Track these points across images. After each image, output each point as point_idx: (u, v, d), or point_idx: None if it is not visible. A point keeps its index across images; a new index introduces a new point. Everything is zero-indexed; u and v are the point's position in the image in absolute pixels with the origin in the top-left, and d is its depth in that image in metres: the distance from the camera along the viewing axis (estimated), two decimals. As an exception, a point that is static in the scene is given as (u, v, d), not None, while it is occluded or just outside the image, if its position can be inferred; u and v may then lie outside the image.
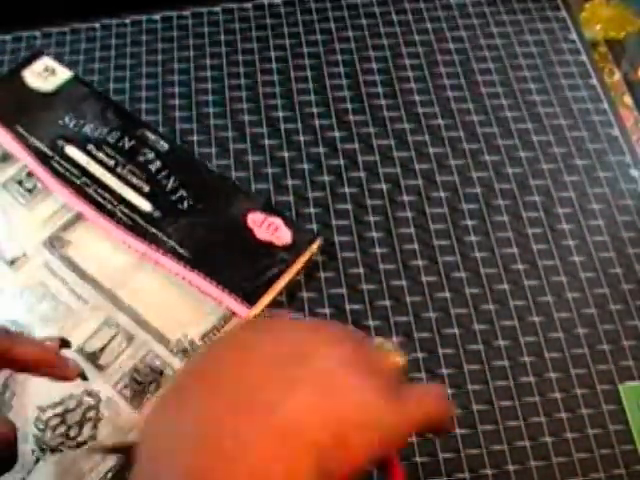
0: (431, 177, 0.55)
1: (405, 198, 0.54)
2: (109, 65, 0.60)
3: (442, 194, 0.54)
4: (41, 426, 0.43)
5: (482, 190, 0.54)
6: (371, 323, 0.48)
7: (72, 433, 0.43)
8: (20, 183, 0.52)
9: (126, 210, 0.50)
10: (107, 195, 0.51)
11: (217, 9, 0.64)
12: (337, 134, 0.57)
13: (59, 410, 0.44)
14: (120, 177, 0.52)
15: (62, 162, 0.52)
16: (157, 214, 0.50)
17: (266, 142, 0.56)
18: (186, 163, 0.53)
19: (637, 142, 0.57)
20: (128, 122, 0.55)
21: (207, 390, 0.26)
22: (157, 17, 0.63)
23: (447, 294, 0.50)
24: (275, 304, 0.48)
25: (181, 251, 0.49)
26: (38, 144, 0.53)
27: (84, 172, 0.52)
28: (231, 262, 0.48)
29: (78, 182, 0.51)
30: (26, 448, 0.42)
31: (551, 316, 0.49)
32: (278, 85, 0.59)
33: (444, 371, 0.47)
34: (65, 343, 0.43)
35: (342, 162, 0.55)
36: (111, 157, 0.53)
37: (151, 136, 0.54)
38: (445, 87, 0.59)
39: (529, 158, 0.56)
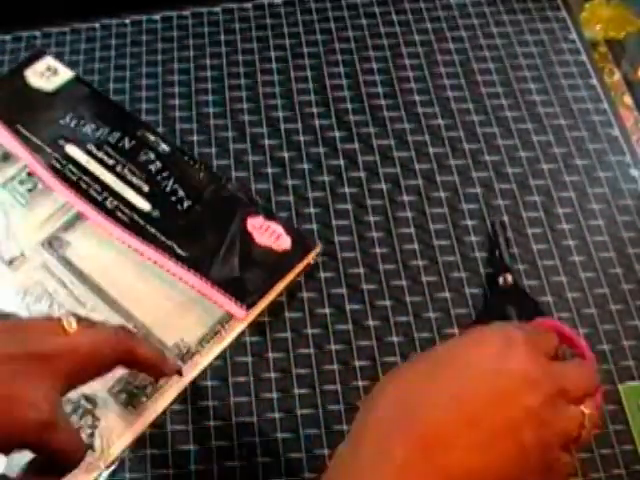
0: (431, 177, 0.55)
1: (405, 198, 0.54)
2: (109, 65, 0.60)
3: (442, 194, 0.54)
4: None
5: (482, 190, 0.54)
6: (371, 323, 0.48)
7: None
8: (20, 183, 0.52)
9: (125, 209, 0.50)
10: (107, 194, 0.51)
11: (217, 9, 0.64)
12: (337, 134, 0.57)
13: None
14: (120, 177, 0.52)
15: (62, 161, 0.52)
16: (156, 214, 0.50)
17: (266, 142, 0.56)
18: (186, 164, 0.53)
19: (637, 142, 0.57)
20: (129, 122, 0.55)
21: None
22: (157, 17, 0.63)
23: (447, 294, 0.49)
24: (275, 304, 0.48)
25: (179, 252, 0.48)
26: (39, 143, 0.53)
27: (84, 171, 0.52)
28: (230, 265, 0.48)
29: (78, 181, 0.51)
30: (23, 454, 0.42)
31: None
32: (278, 85, 0.59)
33: (444, 371, 0.46)
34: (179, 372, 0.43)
35: (342, 162, 0.55)
36: (111, 157, 0.53)
37: (151, 137, 0.54)
38: (445, 87, 0.59)
39: (529, 158, 0.56)
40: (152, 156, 0.53)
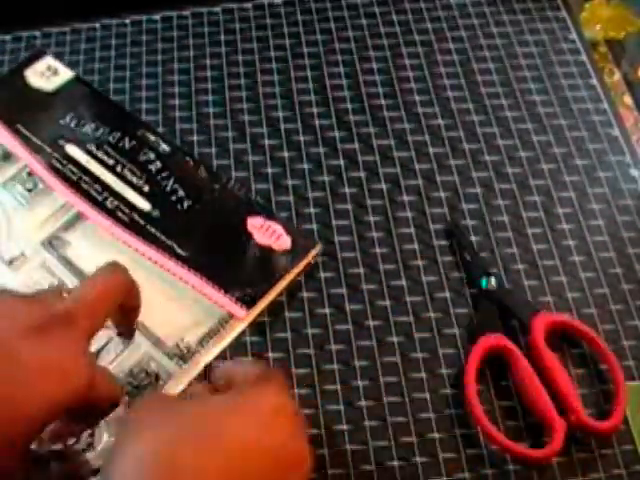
0: (431, 177, 0.55)
1: (405, 198, 0.54)
2: (109, 65, 0.60)
3: (442, 194, 0.54)
4: None
5: (482, 190, 0.54)
6: (371, 323, 0.48)
7: (70, 440, 0.42)
8: (20, 183, 0.52)
9: (125, 209, 0.50)
10: (107, 194, 0.51)
11: (217, 9, 0.64)
12: (337, 134, 0.57)
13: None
14: (120, 176, 0.52)
15: (63, 161, 0.52)
16: (156, 214, 0.50)
17: (266, 142, 0.56)
18: (186, 164, 0.53)
19: (637, 142, 0.57)
20: (129, 122, 0.55)
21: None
22: (157, 17, 0.63)
23: (447, 294, 0.49)
24: (275, 304, 0.48)
25: (179, 251, 0.49)
26: (39, 143, 0.53)
27: (84, 171, 0.52)
28: (230, 265, 0.48)
29: (78, 181, 0.51)
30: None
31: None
32: (278, 85, 0.59)
33: (444, 371, 0.47)
34: None
35: (342, 162, 0.55)
36: (111, 157, 0.53)
37: (151, 137, 0.54)
38: (445, 87, 0.59)
39: (529, 158, 0.56)
40: (152, 156, 0.53)
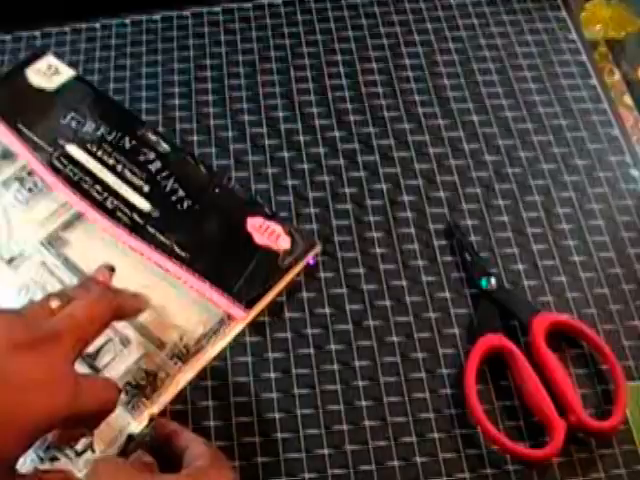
0: (431, 177, 0.55)
1: (405, 198, 0.54)
2: (109, 65, 0.60)
3: (442, 194, 0.54)
4: None
5: (482, 190, 0.54)
6: (371, 323, 0.48)
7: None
8: (21, 182, 0.52)
9: (125, 209, 0.50)
10: (107, 194, 0.51)
11: (217, 9, 0.64)
12: (337, 134, 0.57)
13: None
14: (120, 176, 0.52)
15: (63, 160, 0.52)
16: (156, 214, 0.50)
17: (266, 142, 0.56)
18: (186, 164, 0.53)
19: (637, 142, 0.57)
20: (129, 122, 0.55)
21: None
22: (157, 17, 0.63)
23: (447, 294, 0.49)
24: (275, 304, 0.48)
25: (179, 251, 0.48)
26: (40, 142, 0.53)
27: (84, 171, 0.52)
28: (229, 265, 0.48)
29: (78, 180, 0.51)
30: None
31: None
32: (278, 85, 0.59)
33: (444, 371, 0.47)
34: (112, 269, 0.45)
35: (342, 162, 0.55)
36: (111, 156, 0.53)
37: (152, 137, 0.54)
38: (445, 87, 0.59)
39: (529, 158, 0.56)
40: (152, 156, 0.53)
